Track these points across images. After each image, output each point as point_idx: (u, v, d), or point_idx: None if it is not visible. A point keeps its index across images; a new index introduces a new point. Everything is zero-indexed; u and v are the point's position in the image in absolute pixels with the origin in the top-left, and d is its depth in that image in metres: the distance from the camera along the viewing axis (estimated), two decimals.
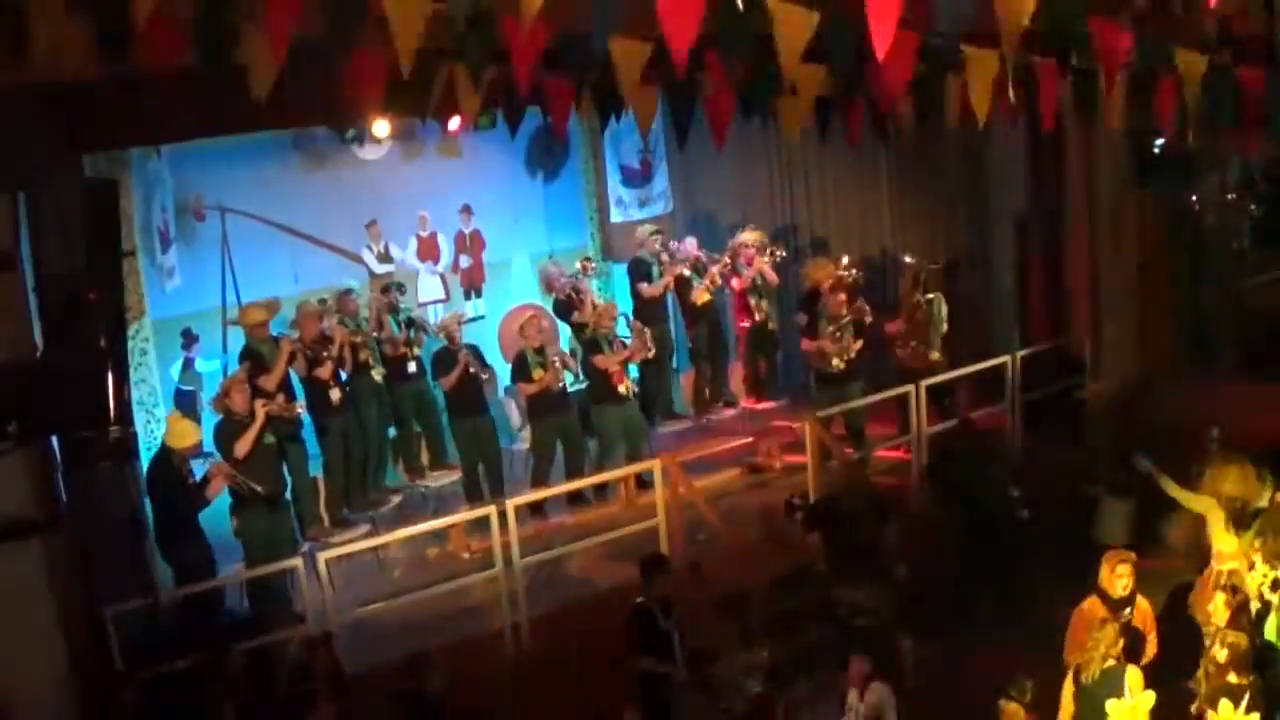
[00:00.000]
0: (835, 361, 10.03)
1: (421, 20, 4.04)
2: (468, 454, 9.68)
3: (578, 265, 11.08)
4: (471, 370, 9.49)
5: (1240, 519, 6.89)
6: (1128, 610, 6.52)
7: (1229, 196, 11.49)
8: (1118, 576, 6.52)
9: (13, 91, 5.30)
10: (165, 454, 7.97)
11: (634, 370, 10.25)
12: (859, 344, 10.06)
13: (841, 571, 7.58)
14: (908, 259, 10.54)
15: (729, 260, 11.04)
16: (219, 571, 8.11)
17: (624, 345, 9.85)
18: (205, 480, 7.97)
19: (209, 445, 8.48)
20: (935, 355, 10.32)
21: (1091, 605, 6.56)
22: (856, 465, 9.40)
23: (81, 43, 4.32)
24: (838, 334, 10.00)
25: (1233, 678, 5.74)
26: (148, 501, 8.07)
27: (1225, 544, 6.92)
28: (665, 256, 11.12)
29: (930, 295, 10.35)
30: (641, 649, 6.89)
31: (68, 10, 4.08)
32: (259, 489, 8.11)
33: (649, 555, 7.59)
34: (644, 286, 10.97)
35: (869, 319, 10.14)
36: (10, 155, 5.84)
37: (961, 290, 10.74)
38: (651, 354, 10.08)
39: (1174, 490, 7.17)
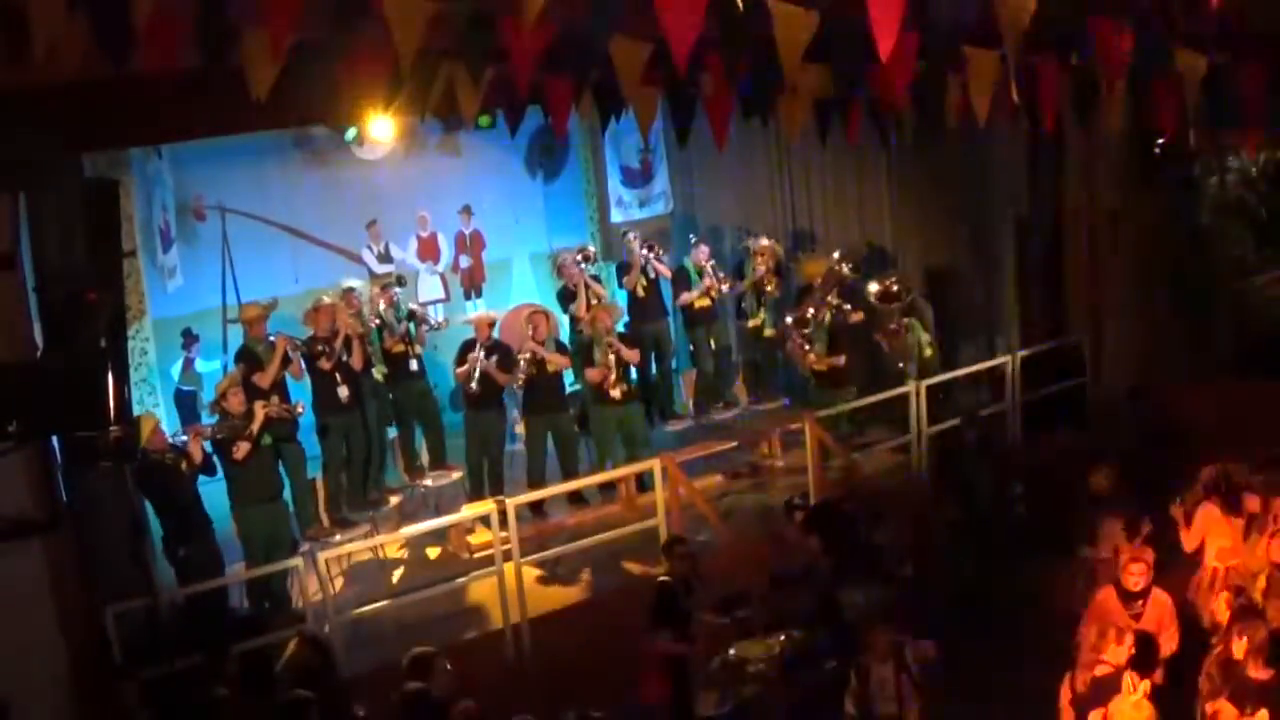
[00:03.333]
0: (813, 365, 10.06)
1: (422, 20, 4.04)
2: (474, 450, 9.65)
3: (576, 256, 11.09)
4: (481, 368, 9.46)
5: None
6: (1140, 603, 6.52)
7: (1229, 197, 11.48)
8: (1132, 573, 6.51)
9: (13, 92, 5.29)
10: (143, 456, 7.96)
11: (633, 373, 10.21)
12: (840, 357, 10.10)
13: (843, 573, 7.58)
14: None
15: (726, 278, 11.08)
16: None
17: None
18: (184, 450, 7.95)
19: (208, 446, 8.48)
20: (911, 383, 9.83)
21: (1106, 597, 6.57)
22: (852, 467, 9.37)
23: (81, 43, 4.32)
24: (808, 335, 10.04)
25: (1252, 670, 5.68)
26: (149, 506, 8.08)
27: (1225, 540, 6.92)
28: (645, 251, 11.12)
29: (907, 320, 10.24)
30: (662, 626, 6.96)
31: (68, 11, 4.08)
32: (238, 444, 8.06)
33: (672, 537, 7.69)
34: (625, 280, 11.05)
35: (837, 308, 10.16)
36: (10, 155, 5.84)
37: (961, 290, 10.73)
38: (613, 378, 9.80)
39: (1187, 541, 7.17)
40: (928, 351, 10.29)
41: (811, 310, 10.23)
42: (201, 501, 8.13)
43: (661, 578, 7.22)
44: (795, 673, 6.98)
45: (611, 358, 9.52)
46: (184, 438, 8.19)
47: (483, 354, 9.46)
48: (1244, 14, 5.56)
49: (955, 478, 8.71)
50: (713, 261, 11.21)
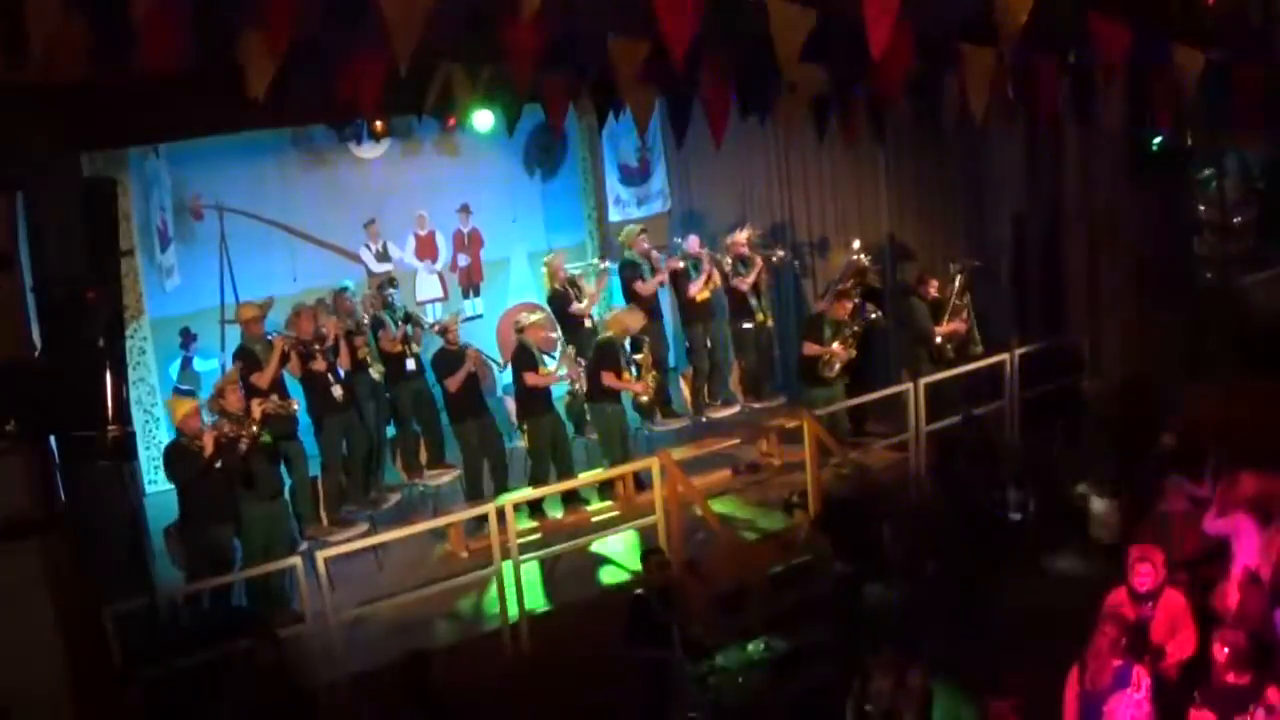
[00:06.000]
0: (837, 368, 10.07)
1: (420, 20, 4.04)
2: (471, 454, 9.63)
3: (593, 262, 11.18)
4: (474, 370, 9.48)
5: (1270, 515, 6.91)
6: (1151, 605, 6.50)
7: (1227, 194, 11.49)
8: (1140, 573, 6.46)
9: (11, 91, 5.29)
10: (175, 440, 7.96)
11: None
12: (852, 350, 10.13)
13: (862, 571, 7.57)
14: (953, 267, 10.45)
15: (730, 259, 11.03)
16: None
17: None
18: (199, 444, 7.94)
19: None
20: (979, 349, 10.38)
21: (1116, 598, 6.56)
22: (859, 465, 9.35)
23: (79, 42, 4.31)
24: (848, 340, 10.05)
25: (1229, 678, 5.66)
26: (174, 494, 8.07)
27: (1253, 554, 6.90)
28: (655, 254, 11.12)
29: (967, 295, 10.39)
30: (640, 639, 6.93)
31: (65, 9, 4.08)
32: (239, 442, 8.03)
33: (648, 548, 7.67)
34: (639, 285, 10.98)
35: (874, 316, 10.19)
36: (9, 155, 5.83)
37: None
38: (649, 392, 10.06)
39: (1212, 525, 7.13)
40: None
41: (838, 319, 10.21)
42: (226, 491, 8.11)
43: (636, 591, 7.20)
44: (779, 680, 6.99)
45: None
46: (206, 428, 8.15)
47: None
48: (1242, 11, 5.56)
49: (951, 476, 8.71)
50: (706, 249, 11.19)
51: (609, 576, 8.58)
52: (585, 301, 10.78)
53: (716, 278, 11.05)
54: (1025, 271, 10.58)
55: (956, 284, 10.28)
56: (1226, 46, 5.67)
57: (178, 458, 7.85)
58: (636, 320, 9.81)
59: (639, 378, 9.71)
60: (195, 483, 7.85)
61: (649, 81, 5.40)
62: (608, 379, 9.54)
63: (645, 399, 9.87)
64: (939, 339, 10.28)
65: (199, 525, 7.92)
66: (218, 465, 7.86)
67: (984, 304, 10.64)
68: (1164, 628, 6.45)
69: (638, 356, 9.77)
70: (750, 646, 7.15)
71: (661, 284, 11.07)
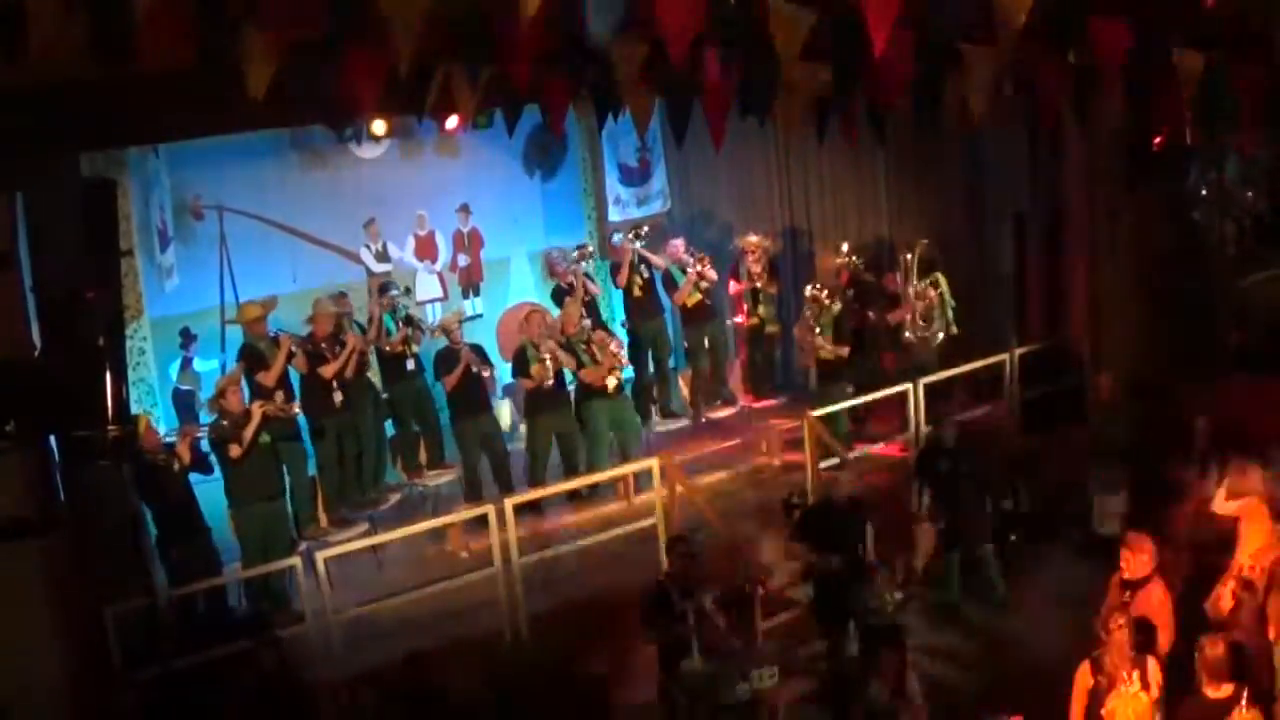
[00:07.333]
0: (821, 354, 10.05)
1: (421, 20, 4.04)
2: (470, 453, 9.65)
3: (574, 254, 11.08)
4: (474, 369, 9.49)
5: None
6: (1127, 594, 6.48)
7: (1227, 194, 11.49)
8: (1127, 560, 6.48)
9: (11, 91, 5.28)
10: (137, 456, 7.96)
11: (626, 370, 10.20)
12: (844, 348, 10.10)
13: (846, 576, 7.56)
14: (907, 255, 10.47)
15: (706, 258, 11.01)
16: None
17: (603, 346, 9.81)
18: (172, 451, 7.93)
19: (204, 446, 8.47)
20: (954, 330, 10.33)
21: (1114, 586, 6.56)
22: (838, 469, 9.30)
23: (79, 42, 4.31)
24: (815, 326, 10.08)
25: (1208, 690, 5.56)
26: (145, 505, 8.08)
27: (1260, 541, 6.88)
28: (634, 243, 11.12)
29: (932, 276, 10.33)
30: (657, 626, 6.96)
31: (65, 9, 4.08)
32: (233, 444, 8.05)
33: (674, 535, 7.73)
34: (616, 278, 11.00)
35: (809, 292, 10.24)
36: (9, 155, 5.83)
37: (960, 286, 10.74)
38: (621, 366, 10.02)
39: (1220, 506, 7.13)
40: (952, 303, 10.36)
41: (820, 293, 10.23)
42: (196, 502, 8.12)
43: (658, 578, 7.23)
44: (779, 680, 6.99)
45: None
46: (173, 439, 8.18)
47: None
48: (1242, 12, 5.56)
49: (935, 477, 8.69)
50: (691, 249, 11.16)
51: (609, 576, 8.57)
52: (583, 293, 10.74)
53: (710, 275, 11.02)
54: (1025, 271, 10.58)
55: (910, 266, 10.26)
56: (1227, 47, 5.66)
57: (144, 476, 7.85)
58: (568, 321, 9.82)
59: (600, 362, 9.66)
60: (164, 498, 7.86)
61: (649, 82, 5.40)
62: (583, 374, 9.58)
63: (613, 380, 9.76)
64: (905, 331, 10.30)
65: (173, 539, 7.93)
66: (189, 475, 7.90)
67: (985, 304, 10.65)
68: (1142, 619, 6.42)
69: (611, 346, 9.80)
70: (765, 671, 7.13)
71: (645, 262, 10.96)
